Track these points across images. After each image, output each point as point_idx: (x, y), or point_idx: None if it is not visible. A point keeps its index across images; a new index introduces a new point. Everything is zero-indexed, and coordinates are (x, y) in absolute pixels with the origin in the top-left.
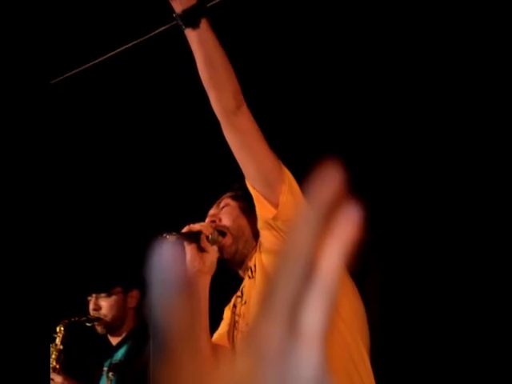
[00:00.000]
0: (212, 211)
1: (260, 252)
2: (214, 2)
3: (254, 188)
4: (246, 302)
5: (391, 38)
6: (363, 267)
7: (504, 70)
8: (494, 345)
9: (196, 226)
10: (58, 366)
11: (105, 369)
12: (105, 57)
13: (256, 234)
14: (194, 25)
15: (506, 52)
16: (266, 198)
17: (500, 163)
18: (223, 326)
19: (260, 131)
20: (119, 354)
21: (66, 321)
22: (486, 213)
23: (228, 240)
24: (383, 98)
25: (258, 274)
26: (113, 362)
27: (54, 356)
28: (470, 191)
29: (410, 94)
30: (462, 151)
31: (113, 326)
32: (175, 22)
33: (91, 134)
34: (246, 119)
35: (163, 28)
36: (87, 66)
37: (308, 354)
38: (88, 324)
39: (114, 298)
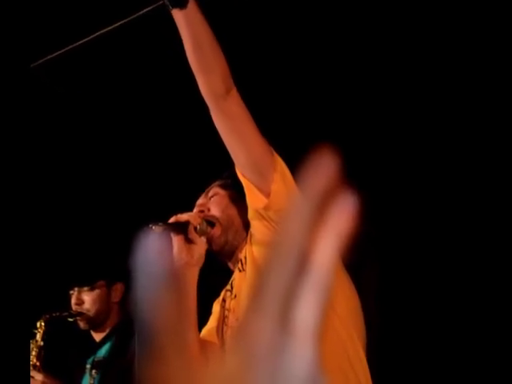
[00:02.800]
0: (200, 201)
1: (250, 243)
2: None
3: (245, 176)
4: (235, 296)
5: (383, 28)
6: (359, 260)
7: (504, 70)
8: (493, 341)
9: (183, 216)
10: (38, 364)
11: (88, 366)
12: (88, 39)
13: (246, 225)
14: (181, 5)
15: (506, 52)
16: (256, 187)
17: (497, 154)
18: (212, 322)
19: (250, 117)
20: (103, 351)
21: (47, 316)
22: (485, 207)
23: (217, 231)
24: (381, 86)
25: (249, 267)
26: (96, 359)
27: (34, 353)
28: (469, 185)
29: (408, 82)
30: (461, 145)
31: (96, 322)
32: (161, 2)
33: (73, 121)
34: (235, 104)
35: (149, 8)
36: (69, 48)
37: (301, 351)
38: (70, 319)
39: (97, 291)
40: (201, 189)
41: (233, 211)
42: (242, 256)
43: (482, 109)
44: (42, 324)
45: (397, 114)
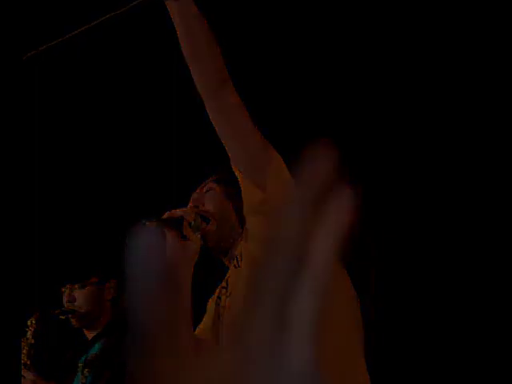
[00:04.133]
0: (195, 196)
1: (246, 239)
2: None
3: (240, 171)
4: (231, 294)
5: (380, 21)
6: (357, 256)
7: (504, 70)
8: (493, 340)
9: (177, 212)
10: (29, 362)
11: (80, 365)
12: (80, 29)
13: (242, 221)
14: None
15: (506, 52)
16: (252, 182)
17: (496, 152)
18: (207, 319)
19: (246, 110)
20: (95, 349)
21: (38, 313)
22: (485, 206)
23: (212, 227)
24: (381, 81)
25: (244, 263)
26: (88, 357)
27: (25, 351)
28: (468, 183)
29: (407, 78)
30: (460, 142)
31: (88, 319)
32: None
33: (65, 114)
34: (230, 96)
35: None
36: (61, 39)
37: (298, 349)
38: (62, 317)
39: (89, 289)
40: (195, 184)
41: (228, 206)
42: (237, 252)
43: (479, 105)
44: (33, 322)
45: (394, 109)
